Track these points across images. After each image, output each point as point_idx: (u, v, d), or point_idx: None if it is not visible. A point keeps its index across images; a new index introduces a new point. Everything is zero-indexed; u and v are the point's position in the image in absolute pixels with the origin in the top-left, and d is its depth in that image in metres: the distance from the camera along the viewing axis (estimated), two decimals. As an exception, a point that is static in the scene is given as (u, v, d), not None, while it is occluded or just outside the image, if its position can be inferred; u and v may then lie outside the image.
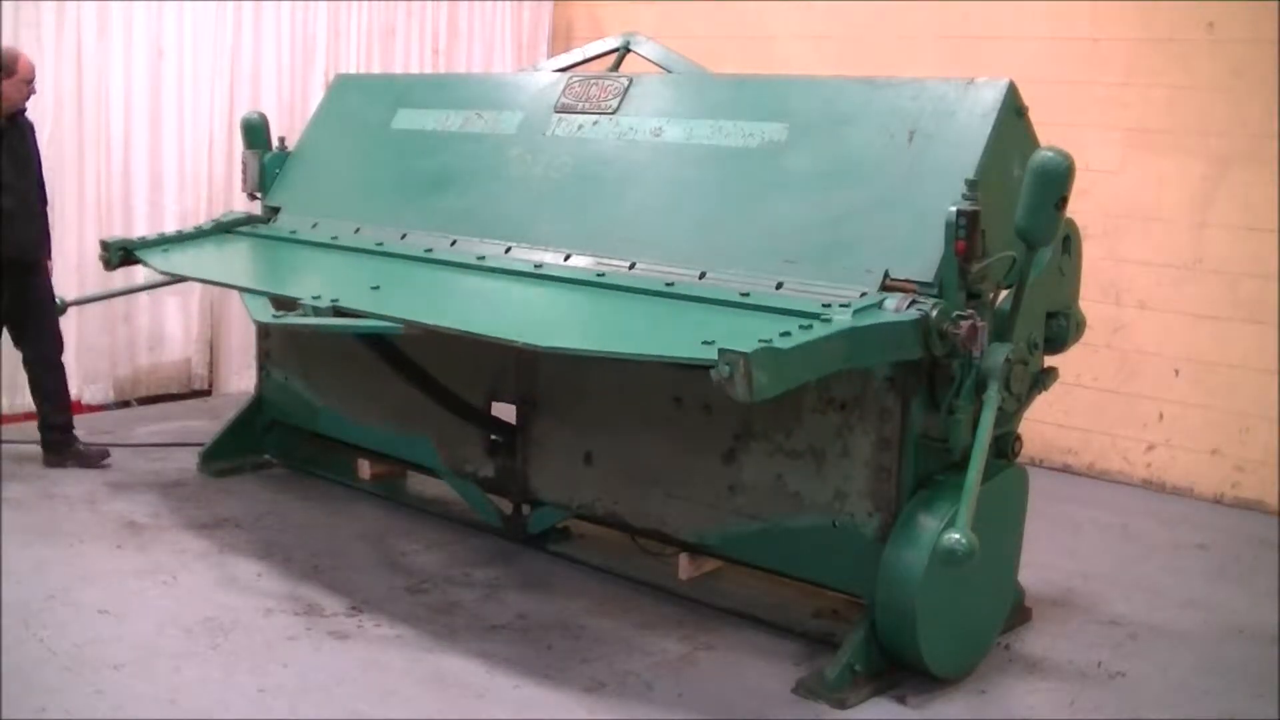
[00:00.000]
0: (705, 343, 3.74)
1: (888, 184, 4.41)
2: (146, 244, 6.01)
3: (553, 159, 5.32)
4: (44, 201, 6.23)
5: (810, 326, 3.85)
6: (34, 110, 6.70)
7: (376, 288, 4.88)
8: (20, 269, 6.01)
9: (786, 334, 3.74)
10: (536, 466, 5.32)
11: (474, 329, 4.37)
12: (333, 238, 5.78)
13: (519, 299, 4.84)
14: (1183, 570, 5.62)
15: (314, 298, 4.66)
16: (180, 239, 6.10)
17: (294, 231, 6.00)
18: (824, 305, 4.08)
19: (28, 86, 5.98)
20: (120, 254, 5.89)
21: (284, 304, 4.86)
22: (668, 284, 4.57)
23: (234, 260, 5.91)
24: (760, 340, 3.60)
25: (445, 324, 4.42)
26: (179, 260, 5.80)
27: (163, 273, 5.77)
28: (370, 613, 4.68)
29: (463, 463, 5.59)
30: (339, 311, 4.59)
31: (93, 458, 6.24)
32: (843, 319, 3.90)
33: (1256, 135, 6.36)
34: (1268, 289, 6.37)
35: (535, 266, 4.98)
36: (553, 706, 4.06)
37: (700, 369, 3.66)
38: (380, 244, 5.57)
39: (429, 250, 5.36)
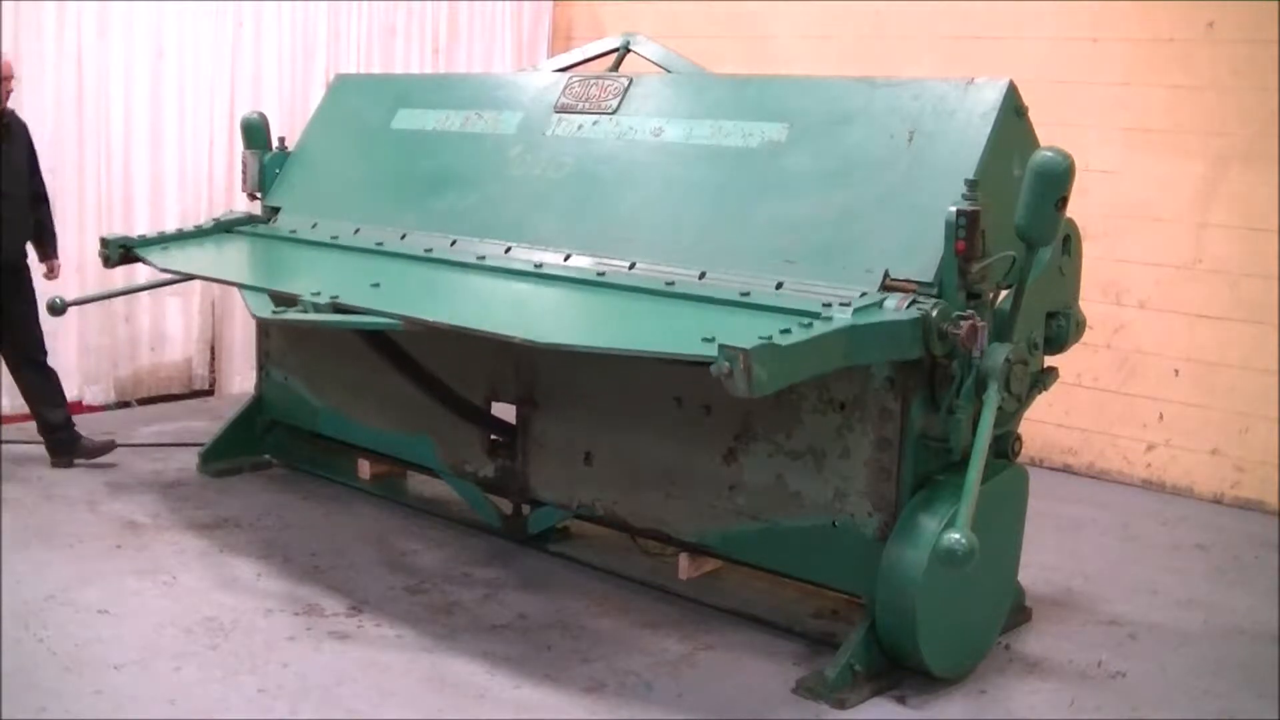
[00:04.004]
0: (705, 339, 3.74)
1: (888, 184, 4.41)
2: (146, 242, 6.00)
3: (553, 159, 5.32)
4: (43, 200, 6.21)
5: (810, 325, 3.85)
6: (35, 110, 6.73)
7: (376, 285, 4.89)
8: (6, 271, 5.97)
9: (787, 331, 3.75)
10: (536, 466, 5.32)
11: (472, 324, 4.37)
12: (332, 237, 5.79)
13: (518, 296, 4.84)
14: (1183, 570, 5.62)
15: (313, 294, 4.67)
16: (180, 237, 6.10)
17: (294, 231, 6.00)
18: (824, 305, 4.08)
19: (5, 84, 5.89)
20: (120, 251, 5.87)
21: (284, 301, 4.87)
22: (668, 283, 4.57)
23: (234, 258, 5.92)
24: (760, 337, 3.61)
25: (444, 320, 4.42)
26: (178, 257, 5.80)
27: (162, 269, 5.75)
28: (370, 613, 4.68)
29: (463, 463, 5.59)
30: (339, 308, 4.60)
31: (99, 449, 6.22)
32: (843, 317, 3.91)
33: (1256, 135, 6.36)
34: (1268, 289, 6.37)
35: (535, 266, 4.98)
36: (553, 706, 4.06)
37: (700, 366, 3.66)
38: (380, 244, 5.58)
39: (429, 250, 5.37)
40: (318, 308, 4.60)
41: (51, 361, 6.91)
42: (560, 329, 4.37)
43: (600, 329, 4.45)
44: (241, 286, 5.25)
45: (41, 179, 6.23)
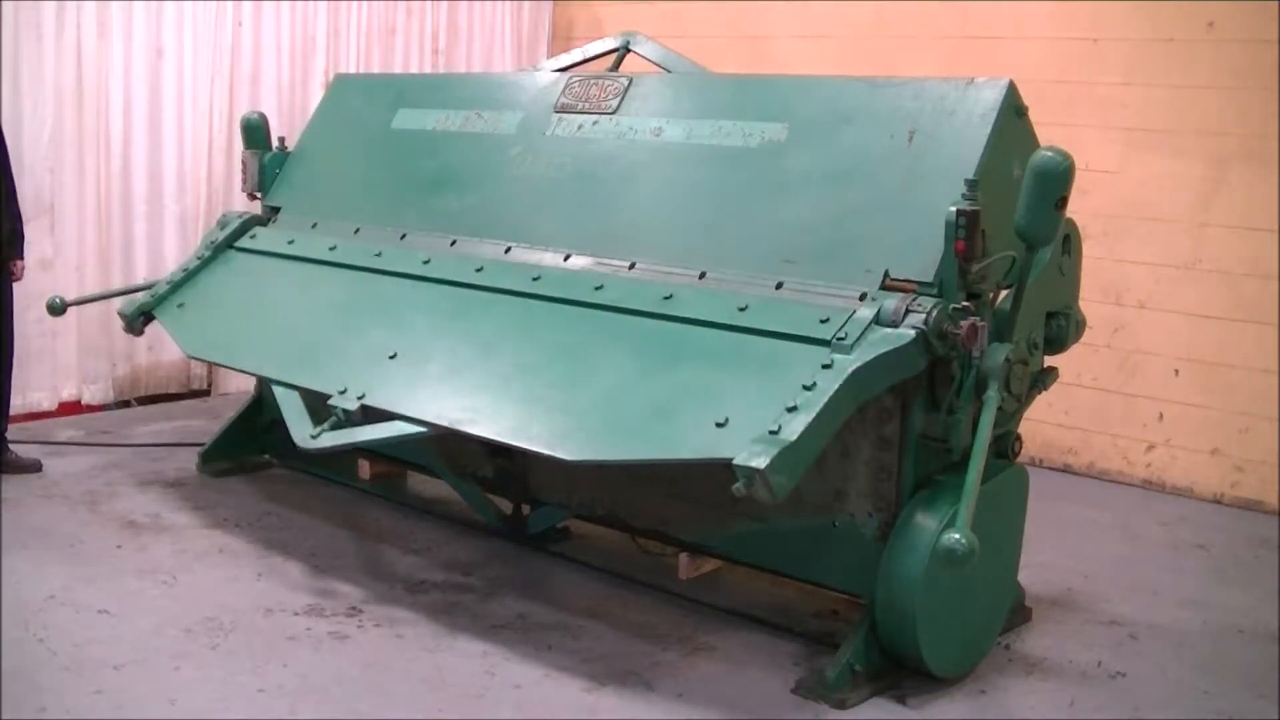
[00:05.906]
0: (719, 424, 3.87)
1: (888, 184, 4.41)
2: (159, 299, 5.97)
3: (552, 159, 5.32)
4: (11, 197, 5.95)
5: (813, 386, 3.85)
6: (35, 110, 6.74)
7: (394, 356, 4.90)
8: None
9: (793, 408, 3.78)
10: (536, 466, 5.32)
11: (502, 437, 4.38)
12: (331, 248, 5.75)
13: (526, 348, 4.74)
14: (1183, 570, 5.62)
15: (340, 392, 4.77)
16: (187, 278, 6.03)
17: (292, 242, 5.96)
18: (822, 321, 4.09)
19: None
20: (140, 319, 5.98)
21: (315, 400, 4.94)
22: (666, 297, 4.54)
23: (248, 313, 5.83)
24: (770, 432, 3.70)
25: (474, 430, 4.44)
26: (197, 322, 5.83)
27: (190, 357, 6.10)
28: (370, 613, 4.68)
29: (463, 463, 5.59)
30: (366, 408, 4.71)
31: (25, 467, 6.01)
32: (844, 359, 3.92)
33: (1256, 135, 6.36)
34: (1268, 289, 6.37)
35: (534, 280, 4.94)
36: (553, 706, 4.06)
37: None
38: (379, 254, 5.54)
39: (427, 262, 5.34)
40: (348, 414, 4.73)
41: (51, 361, 6.92)
42: (583, 427, 4.25)
43: (619, 427, 4.22)
44: (272, 381, 5.24)
45: (12, 177, 5.98)
